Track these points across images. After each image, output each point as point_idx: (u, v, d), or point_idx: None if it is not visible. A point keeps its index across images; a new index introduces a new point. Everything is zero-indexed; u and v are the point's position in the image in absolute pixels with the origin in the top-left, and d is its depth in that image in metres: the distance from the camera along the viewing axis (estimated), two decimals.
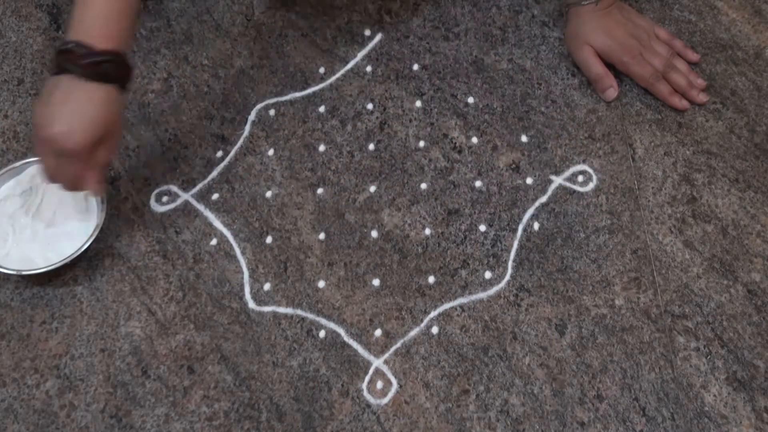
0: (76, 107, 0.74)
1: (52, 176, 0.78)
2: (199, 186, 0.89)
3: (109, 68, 0.75)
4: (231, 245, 0.85)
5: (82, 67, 0.73)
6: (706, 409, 0.76)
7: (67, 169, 0.76)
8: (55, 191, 0.85)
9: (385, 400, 0.77)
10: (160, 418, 0.76)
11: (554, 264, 0.83)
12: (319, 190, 0.88)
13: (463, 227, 0.86)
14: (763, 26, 0.99)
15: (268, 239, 0.85)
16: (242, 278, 0.83)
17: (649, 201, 0.87)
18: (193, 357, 0.79)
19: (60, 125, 0.73)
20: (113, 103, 0.76)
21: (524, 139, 0.91)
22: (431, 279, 0.83)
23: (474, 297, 0.82)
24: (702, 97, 0.92)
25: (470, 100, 0.94)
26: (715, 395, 0.76)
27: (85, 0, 0.75)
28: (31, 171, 0.86)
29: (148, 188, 0.88)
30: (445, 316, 0.81)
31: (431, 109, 0.93)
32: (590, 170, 0.89)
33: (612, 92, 0.92)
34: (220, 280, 0.83)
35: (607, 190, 0.88)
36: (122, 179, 0.89)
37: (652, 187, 0.88)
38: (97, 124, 0.74)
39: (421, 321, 0.80)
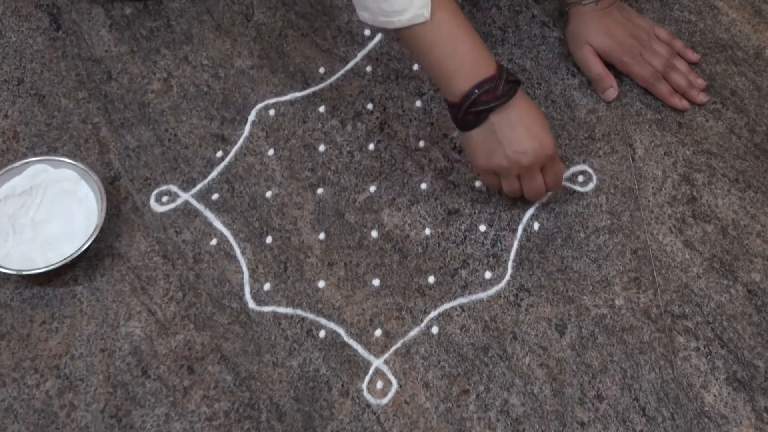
0: (522, 124, 0.78)
1: (541, 189, 0.82)
2: (199, 186, 0.89)
3: (509, 79, 0.78)
4: (231, 245, 0.85)
5: (500, 97, 0.77)
6: (706, 409, 0.76)
7: (553, 172, 0.82)
8: (54, 191, 0.85)
9: (385, 400, 0.77)
10: (160, 418, 0.76)
11: (554, 264, 0.83)
12: (319, 190, 0.88)
13: (463, 227, 0.86)
14: (763, 26, 0.99)
15: (268, 239, 0.85)
16: (242, 278, 0.83)
17: (649, 201, 0.87)
18: (193, 357, 0.79)
19: (532, 144, 0.78)
20: (528, 98, 0.81)
21: None
22: (431, 279, 0.83)
23: (474, 297, 0.82)
24: (702, 97, 0.92)
25: None
26: (715, 395, 0.76)
27: (449, 54, 0.78)
28: (31, 171, 0.86)
29: (148, 188, 0.88)
30: (445, 316, 0.81)
31: (431, 109, 0.93)
32: (590, 170, 0.89)
33: (612, 92, 0.92)
34: (220, 280, 0.83)
35: (607, 190, 0.88)
36: (122, 179, 0.89)
37: (652, 187, 0.88)
38: (544, 121, 0.80)
39: (421, 321, 0.80)
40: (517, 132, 0.78)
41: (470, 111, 0.78)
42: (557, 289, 0.82)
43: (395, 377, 0.78)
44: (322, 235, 0.85)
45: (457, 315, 0.81)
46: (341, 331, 0.80)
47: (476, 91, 0.76)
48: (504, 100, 0.77)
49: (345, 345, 0.79)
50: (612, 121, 0.92)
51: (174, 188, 0.89)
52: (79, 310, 0.81)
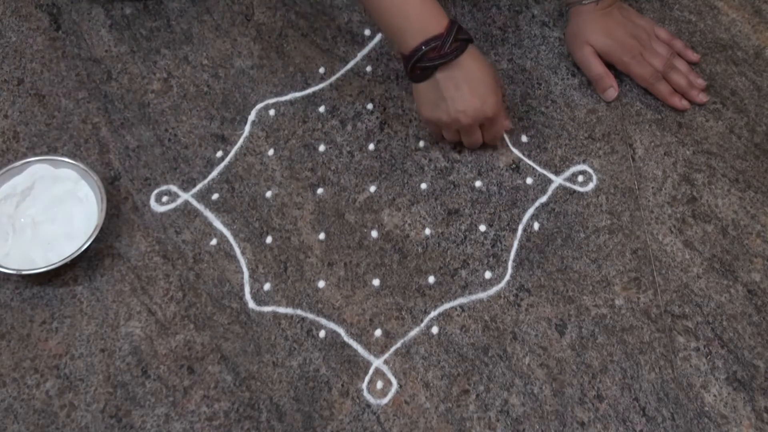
0: (468, 82, 0.81)
1: (478, 143, 0.87)
2: (199, 186, 0.89)
3: (460, 36, 0.80)
4: (231, 245, 0.85)
5: (445, 56, 0.80)
6: (706, 409, 0.76)
7: (493, 128, 0.86)
8: (54, 191, 0.85)
9: (385, 400, 0.77)
10: (160, 418, 0.76)
11: (554, 264, 0.83)
12: (319, 190, 0.88)
13: (463, 227, 0.86)
14: (763, 26, 0.99)
15: (268, 239, 0.85)
16: (242, 278, 0.83)
17: (649, 201, 0.87)
18: (193, 357, 0.79)
19: (473, 102, 0.81)
20: (480, 54, 0.83)
21: (524, 139, 0.91)
22: (431, 279, 0.83)
23: (474, 297, 0.82)
24: (702, 97, 0.92)
25: None
26: (715, 395, 0.76)
27: (398, 11, 0.80)
28: (31, 171, 0.86)
29: (148, 188, 0.88)
30: (445, 316, 0.81)
31: None
32: (590, 170, 0.89)
33: (612, 92, 0.92)
34: (220, 280, 0.83)
35: (607, 190, 0.88)
36: (122, 179, 0.89)
37: (652, 187, 0.88)
38: (490, 80, 0.82)
39: (421, 321, 0.80)
40: (460, 91, 0.81)
41: (417, 66, 0.81)
42: (557, 289, 0.82)
43: (395, 377, 0.78)
44: (322, 235, 0.85)
45: (457, 315, 0.81)
46: (341, 331, 0.80)
47: (423, 47, 0.79)
48: (450, 58, 0.80)
49: (345, 345, 0.79)
50: (612, 121, 0.92)
51: (174, 188, 0.89)
52: (79, 310, 0.81)
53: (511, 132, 0.91)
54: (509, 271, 0.83)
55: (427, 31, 0.79)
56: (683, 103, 0.92)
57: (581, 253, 0.84)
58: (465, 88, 0.81)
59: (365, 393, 0.77)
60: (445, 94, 0.81)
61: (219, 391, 0.77)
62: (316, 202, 0.88)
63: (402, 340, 0.80)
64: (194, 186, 0.89)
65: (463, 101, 0.82)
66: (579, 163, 0.89)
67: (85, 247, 0.81)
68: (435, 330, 0.80)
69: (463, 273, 0.83)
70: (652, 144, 0.90)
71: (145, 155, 0.91)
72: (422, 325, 0.80)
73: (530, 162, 0.89)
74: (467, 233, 0.85)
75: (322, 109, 0.94)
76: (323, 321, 0.81)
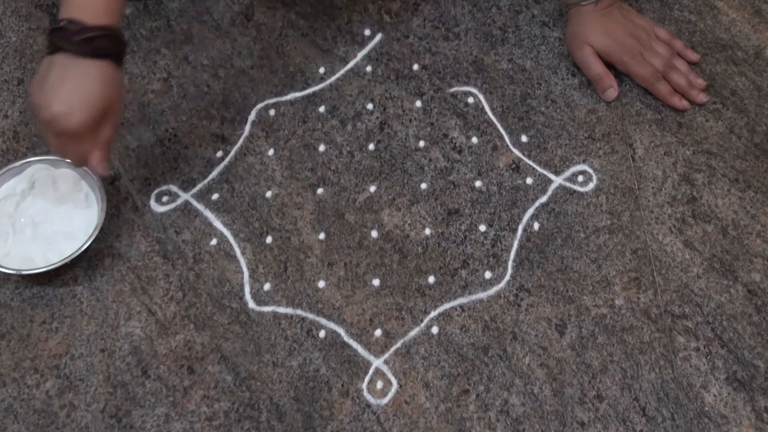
0: (73, 86, 0.73)
1: (59, 154, 0.79)
2: (199, 186, 0.89)
3: (102, 43, 0.74)
4: (231, 245, 0.85)
5: (75, 44, 0.73)
6: (706, 409, 0.76)
7: (72, 148, 0.76)
8: (54, 191, 0.85)
9: (385, 400, 0.77)
10: (160, 418, 0.76)
11: (554, 264, 0.83)
12: (319, 190, 0.88)
13: (463, 227, 0.86)
14: (763, 26, 0.99)
15: (268, 239, 0.85)
16: (242, 278, 0.83)
17: (649, 201, 0.87)
18: (193, 357, 0.79)
19: (59, 105, 0.72)
20: (111, 78, 0.75)
21: (524, 139, 0.91)
22: (431, 279, 0.83)
23: (474, 297, 0.82)
24: (702, 97, 0.92)
25: (470, 100, 0.94)
26: (715, 395, 0.76)
27: None
28: (32, 171, 0.86)
29: (148, 188, 0.88)
30: (445, 316, 0.81)
31: (431, 109, 0.93)
32: (590, 170, 0.89)
33: (612, 92, 0.92)
34: (220, 280, 0.83)
35: (607, 190, 0.88)
36: (122, 179, 0.89)
37: (652, 187, 0.88)
38: (96, 102, 0.74)
39: (421, 321, 0.80)
40: (61, 86, 0.73)
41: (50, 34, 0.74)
42: (557, 289, 0.82)
43: (395, 377, 0.78)
44: (322, 235, 0.85)
45: (457, 315, 0.81)
46: (341, 331, 0.80)
47: (62, 22, 0.73)
48: (70, 48, 0.72)
49: (345, 345, 0.79)
50: (612, 121, 0.92)
51: (174, 188, 0.89)
52: (79, 310, 0.81)
53: (510, 132, 0.91)
54: (509, 271, 0.83)
55: (77, 12, 0.73)
56: (683, 103, 0.92)
57: (581, 253, 0.84)
58: (69, 85, 0.73)
59: (365, 393, 0.77)
60: (51, 78, 0.73)
61: (219, 391, 0.77)
62: (316, 202, 0.88)
63: (402, 340, 0.80)
64: (194, 186, 0.89)
65: (55, 99, 0.73)
66: (579, 163, 0.89)
67: (85, 247, 0.81)
68: (435, 330, 0.80)
69: (463, 273, 0.83)
70: (652, 144, 0.90)
71: (145, 155, 0.91)
72: (422, 325, 0.80)
73: (530, 162, 0.89)
74: (467, 233, 0.85)
75: (322, 109, 0.94)
76: (323, 321, 0.81)
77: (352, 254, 0.84)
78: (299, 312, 0.81)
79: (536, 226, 0.85)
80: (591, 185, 0.88)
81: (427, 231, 0.85)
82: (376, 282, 0.83)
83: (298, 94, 0.95)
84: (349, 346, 0.79)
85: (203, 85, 0.95)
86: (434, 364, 0.78)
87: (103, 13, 0.74)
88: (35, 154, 0.89)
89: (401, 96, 0.94)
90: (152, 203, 0.88)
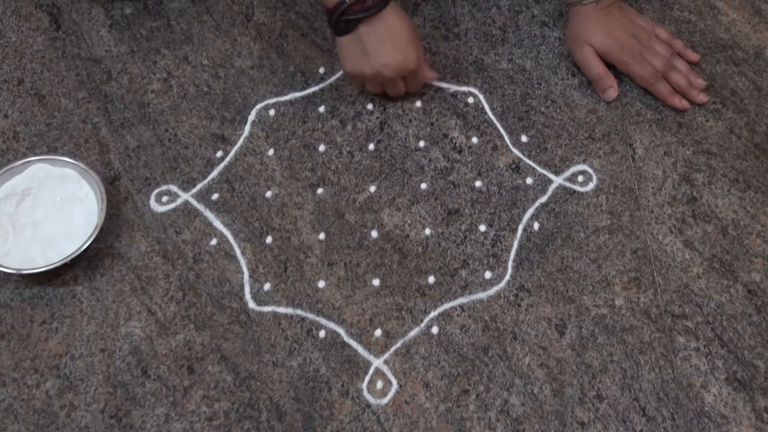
0: (395, 36, 0.84)
1: (401, 93, 0.91)
2: (199, 186, 0.89)
3: None
4: (231, 245, 0.85)
5: (370, 8, 0.82)
6: (706, 409, 0.76)
7: (416, 80, 0.90)
8: (54, 190, 0.85)
9: (385, 400, 0.77)
10: (160, 418, 0.76)
11: (554, 264, 0.83)
12: (319, 190, 0.88)
13: (463, 227, 0.86)
14: (763, 26, 0.99)
15: (268, 239, 0.85)
16: (242, 278, 0.83)
17: (649, 201, 0.87)
18: (193, 357, 0.79)
19: (396, 56, 0.85)
20: (402, 12, 0.86)
21: (524, 139, 0.91)
22: (431, 279, 0.83)
23: (474, 297, 0.82)
24: (702, 97, 0.92)
25: (470, 100, 0.94)
26: (715, 395, 0.76)
27: None
28: (32, 170, 0.86)
29: (148, 188, 0.88)
30: (445, 316, 0.81)
31: (431, 109, 0.93)
32: (590, 170, 0.89)
33: (612, 92, 0.92)
34: (220, 280, 0.83)
35: (607, 190, 0.88)
36: (122, 179, 0.89)
37: (652, 187, 0.88)
38: (413, 38, 0.86)
39: (421, 321, 0.80)
40: (383, 45, 0.84)
41: (341, 19, 0.84)
42: (557, 289, 0.82)
43: (395, 377, 0.78)
44: (322, 235, 0.85)
45: (457, 315, 0.81)
46: (341, 331, 0.80)
47: (347, 1, 0.82)
48: (372, 12, 0.83)
49: (345, 345, 0.79)
50: (612, 121, 0.92)
51: (174, 188, 0.89)
52: (79, 310, 0.81)
53: (510, 132, 0.91)
54: (509, 271, 0.83)
55: None
56: (683, 103, 0.92)
57: (581, 253, 0.84)
58: (387, 42, 0.84)
59: (365, 393, 0.77)
60: (368, 47, 0.84)
61: (219, 391, 0.77)
62: (316, 202, 0.88)
63: (402, 340, 0.80)
64: (194, 186, 0.89)
65: (386, 55, 0.85)
66: (579, 163, 0.89)
67: (85, 246, 0.81)
68: (435, 330, 0.80)
69: (463, 273, 0.83)
70: (652, 144, 0.90)
71: (145, 155, 0.91)
72: (422, 325, 0.80)
73: (530, 162, 0.89)
74: (467, 233, 0.85)
75: (322, 109, 0.94)
76: (323, 321, 0.81)
77: (352, 254, 0.84)
78: (299, 312, 0.81)
79: (536, 226, 0.85)
80: (591, 185, 0.88)
81: (427, 231, 0.85)
82: (376, 282, 0.83)
83: (298, 94, 0.95)
84: (349, 346, 0.79)
85: (203, 85, 0.95)
86: (434, 364, 0.78)
87: None
88: (35, 154, 0.89)
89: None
90: (152, 203, 0.88)
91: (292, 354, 0.79)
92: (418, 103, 0.94)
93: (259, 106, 0.94)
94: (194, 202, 0.88)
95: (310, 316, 0.81)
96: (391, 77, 0.87)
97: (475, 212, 0.87)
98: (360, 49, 0.85)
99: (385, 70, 0.86)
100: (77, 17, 1.01)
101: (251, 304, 0.82)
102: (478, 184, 0.88)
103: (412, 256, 0.84)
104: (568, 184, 0.88)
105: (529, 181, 0.88)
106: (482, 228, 0.86)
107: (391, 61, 0.85)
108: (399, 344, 0.79)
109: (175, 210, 0.87)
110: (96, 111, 0.93)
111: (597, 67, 0.92)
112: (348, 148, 0.91)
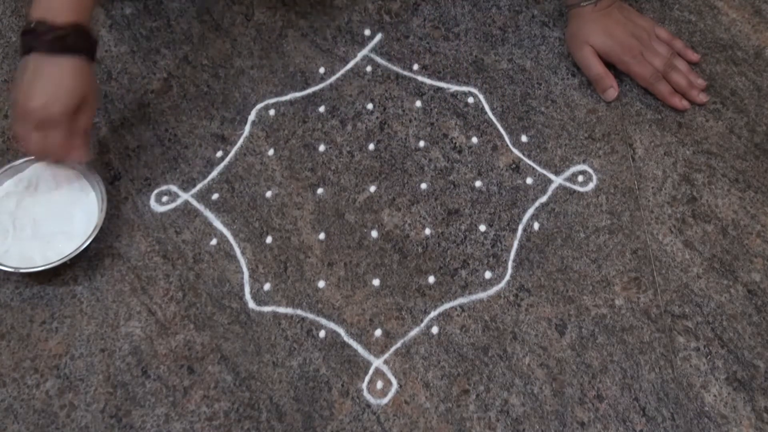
0: (48, 81, 0.78)
1: (40, 150, 0.81)
2: (199, 186, 0.89)
3: (72, 40, 0.78)
4: (231, 245, 0.85)
5: (46, 44, 0.77)
6: (706, 409, 0.76)
7: (52, 140, 0.80)
8: (55, 190, 0.85)
9: (385, 400, 0.77)
10: (160, 418, 0.76)
11: (554, 264, 0.83)
12: (319, 190, 0.88)
13: (463, 227, 0.86)
14: (763, 26, 0.99)
15: (268, 239, 0.85)
16: (242, 278, 0.83)
17: (649, 201, 0.87)
18: (193, 357, 0.79)
19: (38, 99, 0.77)
20: (83, 72, 0.80)
21: (524, 139, 0.91)
22: (431, 279, 0.83)
23: (474, 297, 0.82)
24: (702, 97, 0.92)
25: (470, 100, 0.94)
26: (715, 395, 0.76)
27: None
28: (32, 169, 0.86)
29: (148, 188, 0.88)
30: (445, 316, 0.81)
31: (431, 109, 0.93)
32: (590, 170, 0.89)
33: (612, 92, 0.92)
34: (220, 280, 0.83)
35: (607, 190, 0.88)
36: (122, 179, 0.89)
37: (652, 187, 0.88)
38: (71, 93, 0.79)
39: (421, 321, 0.80)
40: (37, 83, 0.78)
41: (23, 38, 0.79)
42: (557, 289, 0.82)
43: (395, 377, 0.78)
44: (322, 235, 0.85)
45: (457, 315, 0.81)
46: (341, 331, 0.80)
47: (32, 24, 0.78)
48: (42, 48, 0.77)
49: (345, 345, 0.79)
50: (612, 121, 0.92)
51: (174, 188, 0.89)
52: (79, 310, 0.81)
53: (510, 132, 0.91)
54: (509, 271, 0.83)
55: (48, 13, 0.77)
56: (683, 103, 0.92)
57: (581, 253, 0.84)
58: (44, 81, 0.78)
59: (365, 393, 0.77)
60: (27, 76, 0.78)
61: (219, 391, 0.77)
62: (316, 202, 0.88)
63: (402, 340, 0.80)
64: (194, 186, 0.89)
65: (33, 91, 0.78)
66: (579, 163, 0.89)
67: (85, 246, 0.81)
68: (435, 330, 0.80)
69: (463, 273, 0.83)
70: (652, 144, 0.90)
71: (145, 155, 0.91)
72: (422, 325, 0.80)
73: (530, 162, 0.89)
74: (467, 233, 0.85)
75: (322, 109, 0.94)
76: (323, 321, 0.81)
77: (352, 254, 0.84)
78: (299, 312, 0.81)
79: (536, 226, 0.85)
80: (591, 185, 0.88)
81: (427, 231, 0.85)
82: (376, 282, 0.83)
83: (298, 94, 0.95)
84: (349, 346, 0.79)
85: (203, 85, 0.95)
86: (434, 364, 0.78)
87: (70, 11, 0.79)
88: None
89: (401, 96, 0.94)
90: (152, 203, 0.88)
91: (292, 354, 0.79)
92: (418, 103, 0.94)
93: (259, 106, 0.94)
94: (194, 202, 0.88)
95: (310, 316, 0.81)
96: (20, 113, 0.79)
97: (475, 212, 0.87)
98: (22, 78, 0.79)
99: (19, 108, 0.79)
100: None
101: (251, 304, 0.82)
102: (478, 184, 0.88)
103: (412, 256, 0.84)
104: (568, 184, 0.88)
105: (529, 181, 0.88)
106: (482, 228, 0.86)
107: (32, 102, 0.78)
108: (399, 344, 0.79)
109: (175, 210, 0.87)
110: (96, 111, 0.93)
111: (597, 67, 0.92)
112: (348, 148, 0.91)
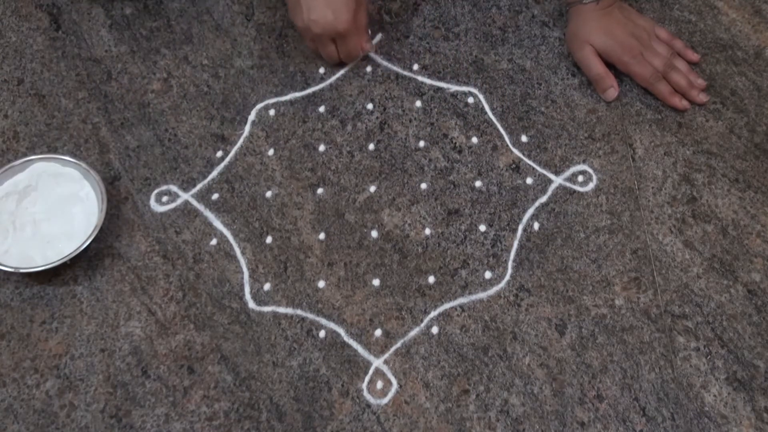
0: (324, 1, 0.87)
1: (343, 59, 0.94)
2: (199, 186, 0.89)
3: None
4: (231, 245, 0.85)
5: None
6: (706, 409, 0.76)
7: (345, 48, 0.92)
8: (55, 190, 0.85)
9: (385, 400, 0.77)
10: (160, 418, 0.76)
11: (554, 264, 0.83)
12: (319, 190, 0.88)
13: (463, 227, 0.86)
14: (763, 26, 0.99)
15: (268, 239, 0.85)
16: (242, 278, 0.83)
17: (649, 201, 0.87)
18: (193, 357, 0.79)
19: (323, 19, 0.87)
20: None
21: (524, 139, 0.91)
22: (431, 279, 0.83)
23: (474, 297, 0.82)
24: (702, 97, 0.92)
25: (470, 100, 0.94)
26: (715, 395, 0.76)
27: None
28: (33, 169, 0.86)
29: (148, 188, 0.88)
30: (445, 316, 0.81)
31: (431, 109, 0.93)
32: (590, 170, 0.89)
33: (612, 92, 0.92)
34: (220, 280, 0.83)
35: (607, 190, 0.88)
36: (122, 179, 0.89)
37: (652, 187, 0.88)
38: (348, 4, 0.88)
39: (421, 321, 0.80)
40: (317, 1, 0.87)
41: None
42: (557, 289, 0.82)
43: (395, 377, 0.78)
44: (322, 235, 0.85)
45: (457, 315, 0.81)
46: (341, 331, 0.80)
47: None
48: None
49: (345, 345, 0.79)
50: (612, 121, 0.92)
51: (174, 188, 0.89)
52: (79, 310, 0.81)
53: (510, 132, 0.91)
54: (509, 271, 0.83)
55: None
56: (683, 103, 0.92)
57: (581, 253, 0.84)
58: (321, 2, 0.87)
59: (365, 393, 0.77)
60: (303, 1, 0.87)
61: (219, 391, 0.77)
62: (316, 202, 0.88)
63: (402, 340, 0.80)
64: (194, 186, 0.89)
65: (316, 11, 0.87)
66: (579, 163, 0.89)
67: (85, 246, 0.81)
68: (435, 330, 0.80)
69: (463, 273, 0.83)
70: (652, 144, 0.90)
71: (145, 155, 0.91)
72: (422, 325, 0.80)
73: (530, 162, 0.89)
74: (467, 233, 0.85)
75: (322, 109, 0.94)
76: (323, 321, 0.81)
77: (352, 254, 0.84)
78: (299, 312, 0.81)
79: (536, 226, 0.85)
80: (591, 185, 0.88)
81: (427, 231, 0.85)
82: (376, 282, 0.83)
83: (298, 94, 0.95)
84: (349, 346, 0.79)
85: (203, 85, 0.95)
86: (434, 364, 0.78)
87: None
88: (35, 154, 0.89)
89: (401, 96, 0.94)
90: (152, 203, 0.88)
91: (292, 354, 0.79)
92: (418, 103, 0.94)
93: (259, 106, 0.94)
94: (194, 202, 0.88)
95: (310, 316, 0.81)
96: (317, 34, 0.89)
97: (475, 212, 0.87)
98: (296, 1, 0.88)
99: (313, 26, 0.88)
100: (77, 17, 1.01)
101: (251, 304, 0.82)
102: (478, 184, 0.88)
103: (412, 256, 0.84)
104: (568, 184, 0.88)
105: (529, 181, 0.88)
106: (482, 228, 0.86)
107: (319, 18, 0.87)
108: (399, 344, 0.79)
109: (175, 210, 0.87)
110: (96, 111, 0.93)
111: (597, 67, 0.92)
112: (348, 148, 0.91)
